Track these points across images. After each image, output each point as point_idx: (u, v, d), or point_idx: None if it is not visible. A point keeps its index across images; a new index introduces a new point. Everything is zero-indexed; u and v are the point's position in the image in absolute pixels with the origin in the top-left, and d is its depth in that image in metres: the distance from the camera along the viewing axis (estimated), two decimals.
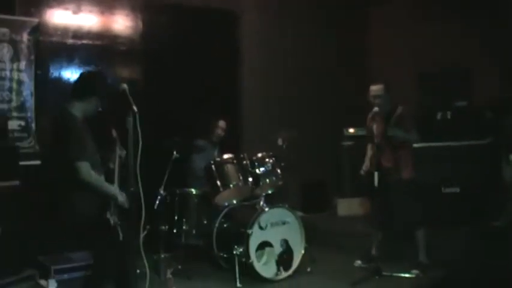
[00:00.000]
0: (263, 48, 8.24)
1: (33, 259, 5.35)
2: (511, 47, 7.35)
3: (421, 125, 5.93)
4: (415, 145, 5.78)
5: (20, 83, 5.94)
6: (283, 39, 8.44)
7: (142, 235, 4.01)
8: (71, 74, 6.30)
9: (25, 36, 5.97)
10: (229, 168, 5.79)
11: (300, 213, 6.39)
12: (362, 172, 5.98)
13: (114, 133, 4.22)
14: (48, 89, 6.15)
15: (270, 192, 6.03)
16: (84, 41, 6.51)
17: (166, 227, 5.70)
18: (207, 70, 7.38)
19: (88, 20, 6.56)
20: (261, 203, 5.73)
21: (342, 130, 8.58)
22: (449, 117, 7.10)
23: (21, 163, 5.32)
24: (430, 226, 5.67)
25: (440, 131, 7.09)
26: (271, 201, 5.94)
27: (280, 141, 6.32)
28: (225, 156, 5.92)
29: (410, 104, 6.96)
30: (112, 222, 3.88)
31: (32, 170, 5.58)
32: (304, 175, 8.29)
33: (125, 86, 3.89)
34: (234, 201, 6.05)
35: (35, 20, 6.08)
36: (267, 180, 5.87)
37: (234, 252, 5.41)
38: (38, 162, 5.84)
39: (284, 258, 5.60)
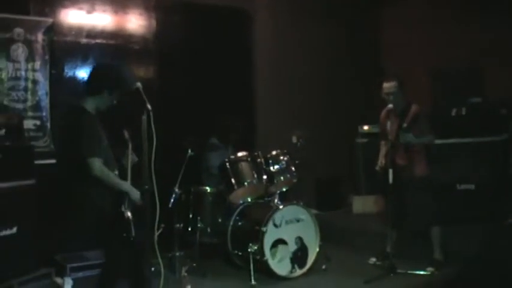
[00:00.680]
0: (276, 47, 8.22)
1: (49, 257, 5.41)
2: None
3: (435, 122, 5.89)
4: None
5: (35, 82, 5.97)
6: (297, 38, 8.42)
7: (157, 233, 4.02)
8: (85, 74, 6.31)
9: (40, 36, 6.00)
10: (244, 166, 5.80)
11: (314, 211, 6.39)
12: (377, 168, 5.96)
13: (126, 134, 4.24)
14: (63, 88, 6.17)
15: (284, 189, 6.04)
16: (98, 41, 6.53)
17: (181, 225, 5.73)
18: (220, 68, 7.38)
19: (102, 19, 6.58)
20: (276, 200, 5.74)
21: (356, 127, 8.54)
22: (464, 113, 7.03)
23: (37, 162, 5.35)
24: (445, 223, 5.65)
25: (455, 127, 7.02)
26: (285, 199, 5.95)
27: (294, 139, 6.31)
28: (240, 154, 5.93)
29: (425, 102, 6.94)
30: (126, 216, 3.90)
31: (47, 169, 5.61)
32: (318, 172, 8.27)
33: (139, 84, 3.90)
34: (249, 199, 6.06)
35: (49, 20, 6.10)
36: (282, 178, 5.87)
37: (249, 250, 5.41)
38: (53, 161, 5.88)
39: (299, 256, 5.61)
